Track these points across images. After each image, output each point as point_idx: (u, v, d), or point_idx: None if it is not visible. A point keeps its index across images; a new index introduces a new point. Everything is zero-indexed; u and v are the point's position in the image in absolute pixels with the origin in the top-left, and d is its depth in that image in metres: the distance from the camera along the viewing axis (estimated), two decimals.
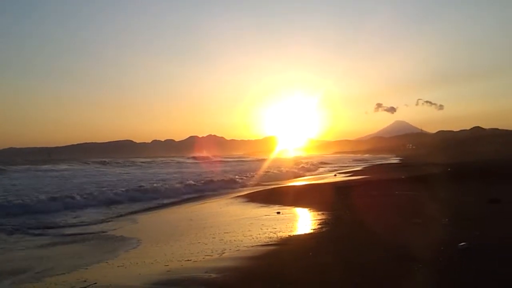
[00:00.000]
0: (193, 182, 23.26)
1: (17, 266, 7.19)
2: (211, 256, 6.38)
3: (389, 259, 5.36)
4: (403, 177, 21.23)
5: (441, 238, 6.29)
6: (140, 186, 20.94)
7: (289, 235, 7.79)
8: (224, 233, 8.52)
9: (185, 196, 19.08)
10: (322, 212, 10.34)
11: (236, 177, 27.97)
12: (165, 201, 17.24)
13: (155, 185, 21.70)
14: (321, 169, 45.28)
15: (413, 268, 4.82)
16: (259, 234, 8.02)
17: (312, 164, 51.03)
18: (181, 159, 71.89)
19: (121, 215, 13.68)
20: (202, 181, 23.79)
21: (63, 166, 44.82)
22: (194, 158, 75.17)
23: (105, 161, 55.57)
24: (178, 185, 21.78)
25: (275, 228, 8.54)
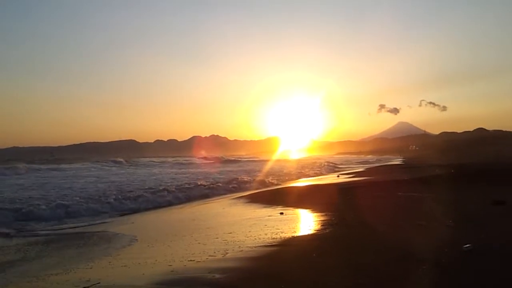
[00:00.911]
0: (233, 184, 23.28)
1: (17, 266, 7.21)
2: (215, 256, 6.38)
3: (393, 261, 5.35)
4: (405, 178, 21.18)
5: (446, 240, 6.27)
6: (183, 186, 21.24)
7: (292, 236, 7.78)
8: (227, 233, 8.51)
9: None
10: (325, 213, 10.32)
11: (270, 179, 28.14)
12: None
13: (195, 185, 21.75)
14: (342, 169, 45.47)
15: (417, 269, 4.81)
16: (262, 234, 8.02)
17: (330, 165, 51.70)
18: (192, 159, 71.97)
19: (123, 215, 13.70)
20: (236, 182, 24.02)
21: (91, 166, 45.42)
22: (204, 158, 75.23)
23: (121, 161, 56.37)
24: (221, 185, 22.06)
25: (278, 229, 8.53)
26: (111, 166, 46.92)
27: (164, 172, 37.85)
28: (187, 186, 21.32)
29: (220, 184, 22.66)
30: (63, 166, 42.96)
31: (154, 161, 60.44)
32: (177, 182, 23.99)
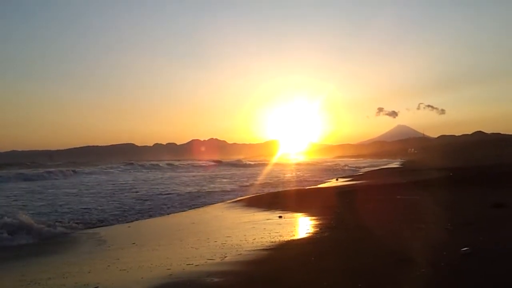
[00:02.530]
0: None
1: (15, 268, 7.18)
2: (213, 260, 6.38)
3: (391, 264, 5.35)
4: (404, 181, 21.21)
5: (444, 243, 6.27)
6: None
7: (291, 239, 7.79)
8: (226, 237, 8.51)
9: None
10: (324, 217, 10.33)
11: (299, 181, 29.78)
12: None
13: None
14: (360, 171, 46.22)
15: (415, 272, 4.81)
16: (261, 238, 8.02)
17: (347, 168, 53.84)
18: (205, 163, 72.90)
19: (123, 221, 13.68)
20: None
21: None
22: (217, 161, 76.15)
23: (143, 164, 59.96)
24: None
25: (277, 232, 8.53)
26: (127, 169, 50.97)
27: (199, 176, 38.67)
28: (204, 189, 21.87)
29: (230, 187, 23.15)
30: (96, 169, 47.92)
31: (174, 164, 63.85)
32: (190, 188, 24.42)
